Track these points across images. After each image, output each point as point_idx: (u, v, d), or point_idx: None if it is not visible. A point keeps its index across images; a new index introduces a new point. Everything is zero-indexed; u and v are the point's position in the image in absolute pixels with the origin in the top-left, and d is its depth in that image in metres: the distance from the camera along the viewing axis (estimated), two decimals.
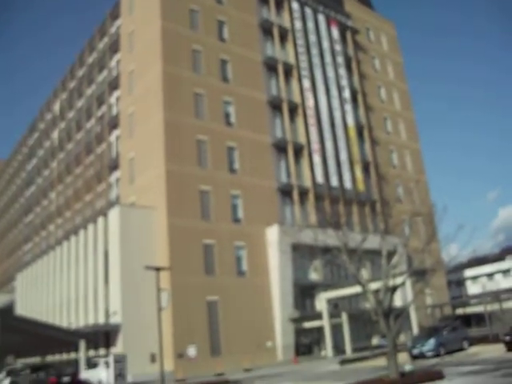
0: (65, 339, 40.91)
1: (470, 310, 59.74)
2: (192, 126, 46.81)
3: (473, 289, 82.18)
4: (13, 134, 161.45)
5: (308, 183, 53.48)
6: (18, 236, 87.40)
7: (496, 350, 27.81)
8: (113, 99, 57.28)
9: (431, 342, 30.03)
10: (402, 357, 25.28)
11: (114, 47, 58.11)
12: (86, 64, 65.90)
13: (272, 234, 47.53)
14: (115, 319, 40.57)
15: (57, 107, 75.69)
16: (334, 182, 55.52)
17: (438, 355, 29.37)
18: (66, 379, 31.81)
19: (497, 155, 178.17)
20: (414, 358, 29.14)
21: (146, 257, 39.08)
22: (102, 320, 43.06)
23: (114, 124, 55.40)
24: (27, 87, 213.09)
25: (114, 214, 43.62)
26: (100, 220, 45.65)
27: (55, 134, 74.88)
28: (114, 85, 56.65)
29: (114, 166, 54.17)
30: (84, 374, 35.35)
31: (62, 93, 74.08)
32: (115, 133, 55.31)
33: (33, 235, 78.20)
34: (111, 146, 56.23)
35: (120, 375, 25.66)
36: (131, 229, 42.50)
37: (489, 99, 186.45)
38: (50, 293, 54.44)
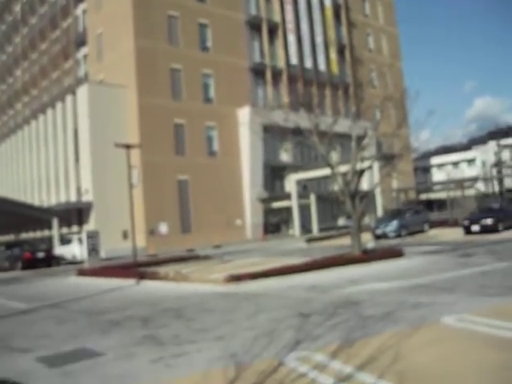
0: (38, 217, 41.47)
1: (433, 195, 61.77)
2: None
3: (438, 176, 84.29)
4: None
5: (281, 64, 52.43)
6: None
7: (455, 233, 29.04)
8: None
9: (394, 224, 31.35)
10: (366, 237, 26.30)
11: None
12: None
13: (243, 114, 47.21)
14: (87, 197, 40.98)
15: None
16: (308, 63, 54.50)
17: (399, 236, 30.73)
18: (40, 255, 32.53)
19: (478, 47, 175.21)
20: (377, 237, 30.39)
21: (116, 135, 38.51)
22: (73, 198, 43.43)
23: None
24: None
25: (82, 92, 42.54)
26: (68, 98, 44.52)
27: (17, 8, 70.66)
28: None
29: (81, 41, 51.82)
30: (58, 250, 36.23)
31: None
32: (81, 6, 52.42)
33: None
34: (78, 20, 53.47)
35: (93, 250, 26.40)
36: (101, 107, 41.66)
37: None
38: (21, 172, 54.13)
